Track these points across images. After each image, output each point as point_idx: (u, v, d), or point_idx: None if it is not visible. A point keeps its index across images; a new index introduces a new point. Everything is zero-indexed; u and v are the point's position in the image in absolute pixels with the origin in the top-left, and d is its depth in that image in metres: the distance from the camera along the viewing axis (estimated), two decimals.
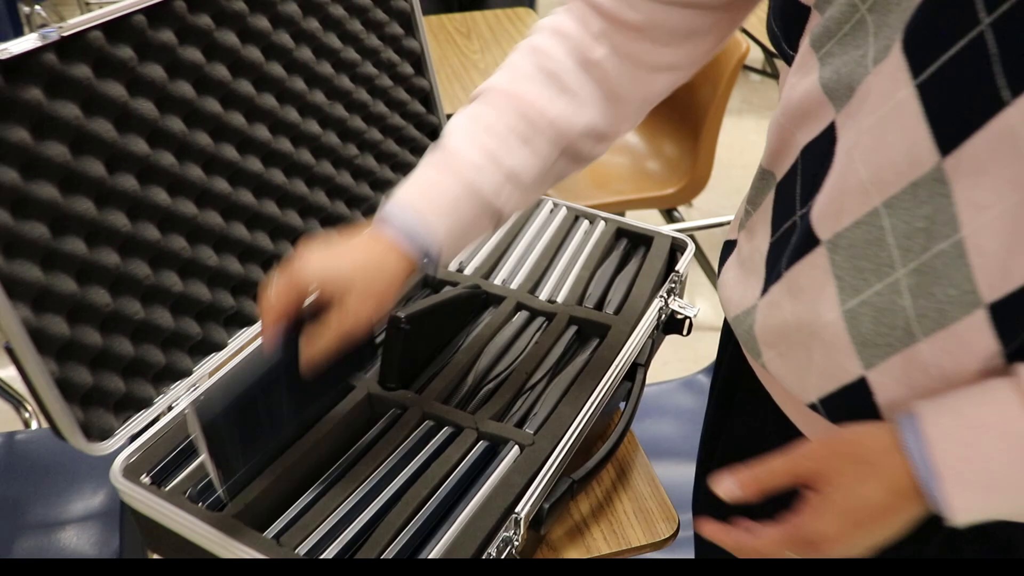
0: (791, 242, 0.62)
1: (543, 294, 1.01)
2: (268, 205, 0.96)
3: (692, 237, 1.08)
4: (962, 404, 0.53)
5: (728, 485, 0.59)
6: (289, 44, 0.95)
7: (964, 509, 0.51)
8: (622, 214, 1.96)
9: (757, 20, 2.22)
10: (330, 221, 1.05)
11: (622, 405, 0.97)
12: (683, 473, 1.32)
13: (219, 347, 0.92)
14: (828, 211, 0.58)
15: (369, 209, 1.12)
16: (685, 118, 2.07)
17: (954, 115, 0.49)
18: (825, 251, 0.58)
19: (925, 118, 0.50)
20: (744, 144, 3.19)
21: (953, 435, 0.52)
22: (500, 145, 0.71)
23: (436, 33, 2.15)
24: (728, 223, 2.54)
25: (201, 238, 0.88)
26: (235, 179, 0.91)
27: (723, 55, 1.90)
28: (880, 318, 0.56)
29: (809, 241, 0.60)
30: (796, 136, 0.62)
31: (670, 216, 2.58)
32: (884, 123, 0.52)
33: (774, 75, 3.40)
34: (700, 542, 0.97)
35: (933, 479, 0.52)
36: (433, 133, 1.21)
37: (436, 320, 0.91)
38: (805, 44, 0.59)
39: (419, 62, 1.16)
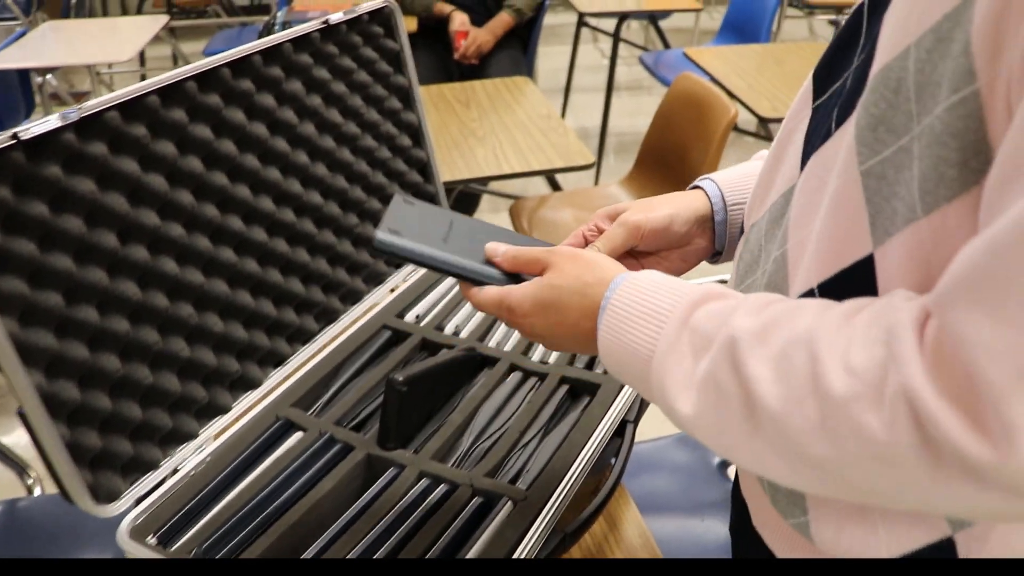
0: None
1: (535, 356, 1.04)
2: (272, 273, 1.00)
3: None
4: (658, 285, 0.58)
5: (495, 248, 0.71)
6: (293, 120, 1.00)
7: (605, 357, 0.60)
8: None
9: (746, 86, 2.30)
10: (331, 288, 1.10)
11: (613, 460, 1.00)
12: (677, 527, 1.34)
13: (224, 410, 0.95)
14: (750, 201, 0.68)
15: (369, 276, 1.16)
16: (680, 179, 2.13)
17: (814, 139, 0.56)
18: (742, 242, 0.69)
19: (804, 135, 0.58)
20: None
21: (631, 300, 0.58)
22: None
23: (436, 102, 2.23)
24: (726, 280, 2.57)
25: (208, 305, 0.92)
26: (241, 248, 0.96)
27: (713, 119, 1.97)
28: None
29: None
30: None
31: None
32: (788, 133, 0.63)
33: (768, 137, 3.48)
34: None
35: (601, 314, 0.60)
36: (430, 201, 1.26)
37: (433, 382, 0.94)
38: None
39: (417, 134, 1.21)
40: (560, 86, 4.14)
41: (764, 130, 3.36)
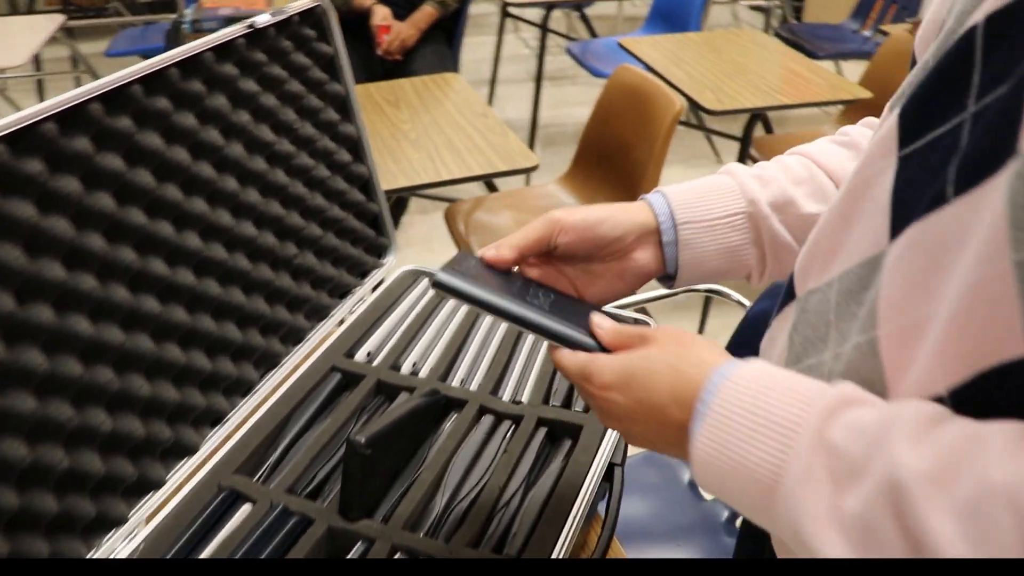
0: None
1: (506, 394, 0.94)
2: (203, 320, 0.87)
3: (644, 310, 1.03)
4: (775, 382, 0.47)
5: (601, 320, 0.60)
6: (218, 141, 0.87)
7: (702, 474, 0.48)
8: None
9: (686, 76, 2.22)
10: (271, 328, 0.97)
11: (600, 507, 0.90)
12: (657, 554, 1.26)
13: (157, 485, 0.82)
14: (804, 266, 0.56)
15: (313, 311, 1.04)
16: (622, 177, 2.05)
17: (910, 199, 0.44)
18: (793, 308, 0.56)
19: (891, 192, 0.46)
20: None
21: (742, 401, 0.47)
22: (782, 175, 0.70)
23: (364, 103, 2.08)
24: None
25: (131, 365, 0.79)
26: (166, 296, 0.83)
27: (659, 113, 1.89)
28: None
29: (790, 294, 0.58)
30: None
31: None
32: (864, 184, 0.49)
33: (699, 127, 3.44)
34: None
35: (699, 419, 0.48)
36: (374, 221, 1.14)
37: (397, 437, 0.83)
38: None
39: (356, 147, 1.09)
40: (484, 77, 4.02)
41: (696, 118, 3.31)
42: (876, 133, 0.50)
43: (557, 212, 0.67)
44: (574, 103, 4.15)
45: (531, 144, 3.44)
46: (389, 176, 1.72)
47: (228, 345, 0.90)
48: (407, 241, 2.94)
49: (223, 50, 0.88)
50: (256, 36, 0.92)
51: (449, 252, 1.77)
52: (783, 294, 0.59)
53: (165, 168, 0.82)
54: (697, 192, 0.70)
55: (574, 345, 0.59)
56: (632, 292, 0.72)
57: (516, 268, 0.72)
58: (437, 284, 0.61)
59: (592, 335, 0.59)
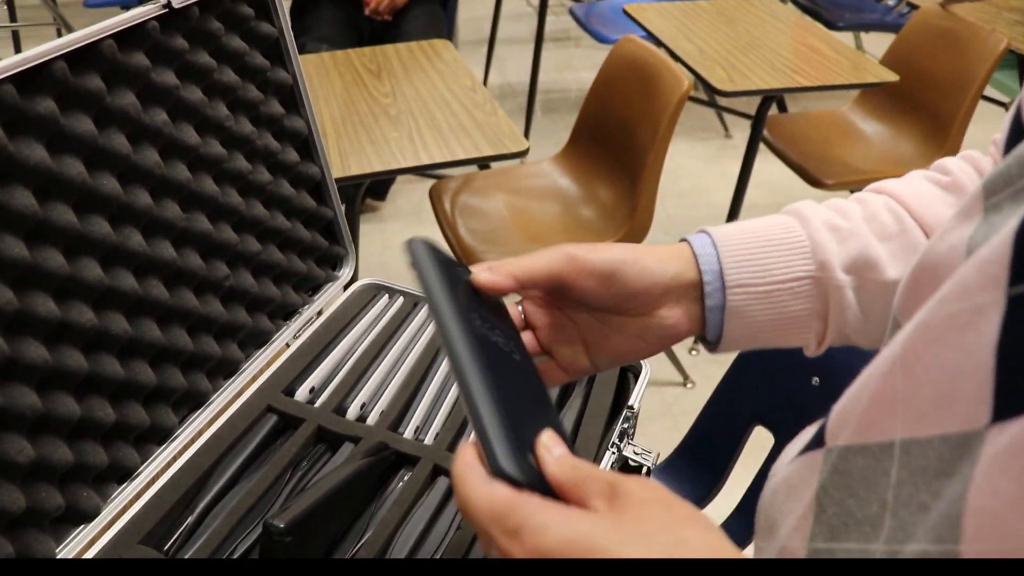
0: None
1: None
2: (107, 363, 0.73)
3: None
4: None
5: (551, 441, 0.42)
6: (124, 148, 0.72)
7: None
8: None
9: (695, 50, 2.05)
10: (195, 364, 0.83)
11: None
12: None
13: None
14: (845, 412, 0.40)
15: (248, 339, 0.90)
16: (622, 160, 1.89)
17: None
18: (821, 459, 0.40)
19: (996, 347, 0.30)
20: (678, 170, 3.03)
21: None
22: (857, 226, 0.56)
23: (342, 72, 1.93)
24: None
25: (12, 426, 0.65)
26: (62, 336, 0.69)
27: (665, 92, 1.72)
28: None
29: (818, 438, 0.42)
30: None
31: None
32: (949, 329, 0.33)
33: (710, 104, 3.26)
34: None
35: None
36: (328, 228, 1.00)
37: (329, 512, 0.70)
38: (977, 185, 0.39)
39: (306, 144, 0.94)
40: (481, 37, 3.82)
41: (706, 93, 3.13)
42: (941, 251, 0.34)
43: (572, 248, 0.53)
44: (578, 67, 3.96)
45: (529, 110, 3.26)
46: (363, 159, 1.56)
47: (140, 390, 0.76)
48: (395, 213, 2.79)
49: (128, 38, 0.72)
50: (172, 18, 0.76)
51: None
52: (811, 439, 0.43)
53: (55, 187, 0.67)
54: (754, 243, 0.55)
55: (495, 456, 0.40)
56: (654, 354, 0.58)
57: (520, 309, 0.57)
58: (411, 246, 0.49)
59: (533, 458, 0.41)
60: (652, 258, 0.54)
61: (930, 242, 0.40)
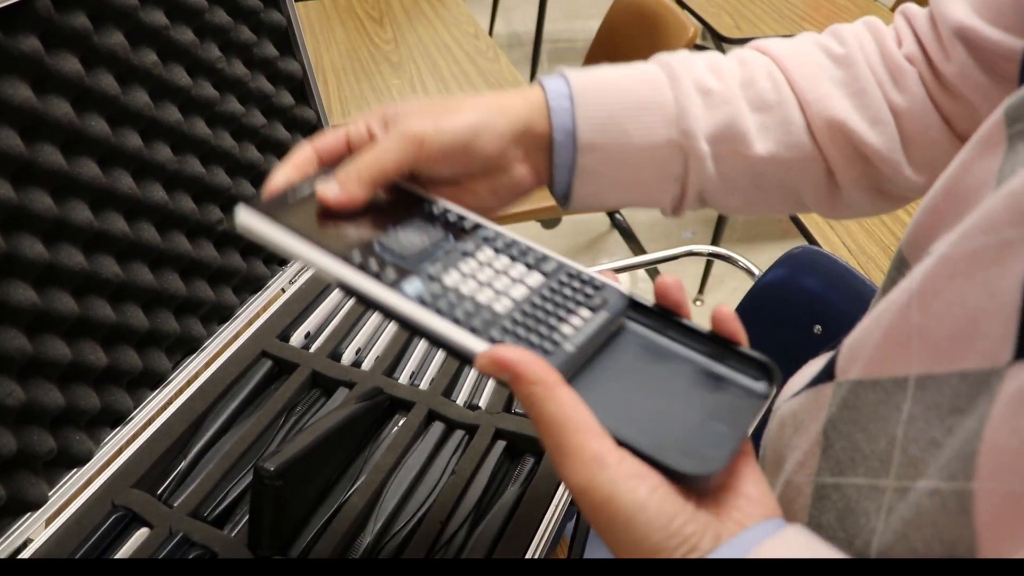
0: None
1: (461, 396, 0.80)
2: (98, 306, 0.73)
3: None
4: None
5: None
6: (113, 88, 0.71)
7: None
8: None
9: (705, 1, 2.01)
10: (189, 309, 0.83)
11: (566, 535, 0.78)
12: None
13: (37, 504, 0.69)
14: (856, 346, 0.39)
15: (243, 283, 0.89)
16: None
17: None
18: (830, 393, 0.39)
19: (1022, 288, 0.29)
20: None
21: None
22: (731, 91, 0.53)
23: (344, 18, 1.90)
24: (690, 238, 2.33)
25: (3, 368, 0.65)
26: (50, 279, 0.68)
27: (670, 39, 1.70)
28: (844, 519, 0.37)
29: (828, 371, 0.41)
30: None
31: (613, 221, 2.37)
32: (973, 264, 0.32)
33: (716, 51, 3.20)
34: None
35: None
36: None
37: (321, 456, 0.70)
38: (997, 113, 0.37)
39: (301, 87, 0.93)
40: None
41: (713, 42, 3.07)
42: (984, 152, 0.33)
43: (414, 124, 0.48)
44: (586, 15, 3.90)
45: (535, 59, 3.22)
46: (363, 105, 1.54)
47: (132, 335, 0.76)
48: None
49: None
50: None
51: None
52: (820, 372, 0.42)
53: (43, 127, 0.66)
54: (614, 103, 0.51)
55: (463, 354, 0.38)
56: (506, 208, 0.55)
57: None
58: (238, 219, 0.44)
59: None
60: (502, 116, 0.50)
61: (948, 172, 0.39)
